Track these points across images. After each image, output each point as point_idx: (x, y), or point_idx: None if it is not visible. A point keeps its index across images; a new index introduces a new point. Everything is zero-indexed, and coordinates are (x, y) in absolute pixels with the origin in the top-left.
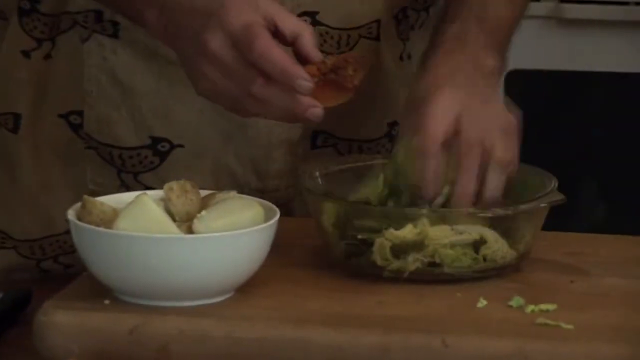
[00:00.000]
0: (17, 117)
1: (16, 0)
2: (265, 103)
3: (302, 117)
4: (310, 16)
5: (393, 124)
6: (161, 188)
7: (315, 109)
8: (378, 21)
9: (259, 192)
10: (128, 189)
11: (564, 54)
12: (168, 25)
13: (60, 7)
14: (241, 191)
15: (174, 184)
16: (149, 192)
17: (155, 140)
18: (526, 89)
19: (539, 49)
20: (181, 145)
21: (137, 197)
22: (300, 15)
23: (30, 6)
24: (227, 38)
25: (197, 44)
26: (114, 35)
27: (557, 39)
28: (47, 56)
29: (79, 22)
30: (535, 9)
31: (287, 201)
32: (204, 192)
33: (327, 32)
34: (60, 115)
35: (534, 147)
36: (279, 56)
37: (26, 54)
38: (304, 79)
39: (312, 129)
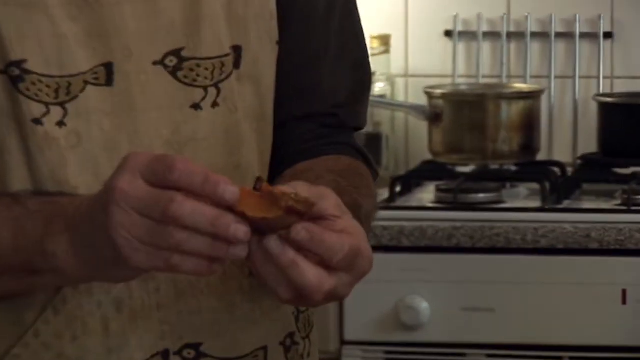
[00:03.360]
0: None
1: None
2: (187, 223)
3: (226, 235)
4: (194, 348)
5: None
6: None
7: (240, 226)
8: (264, 348)
9: None
10: None
11: None
12: (78, 241)
13: None
14: None
15: None
16: None
17: None
18: None
19: None
20: None
21: None
22: (183, 347)
23: None
24: (134, 174)
25: (106, 197)
26: None
27: None
28: None
29: None
30: None
31: None
32: None
33: None
34: None
35: None
36: (200, 168)
37: None
38: (228, 184)
39: None
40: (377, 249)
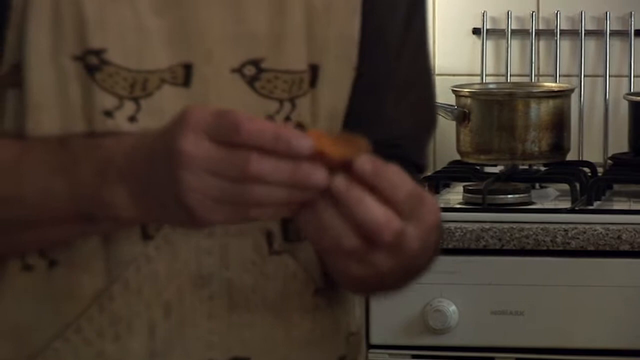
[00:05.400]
0: None
1: None
2: (266, 180)
3: (307, 184)
4: None
5: None
6: None
7: (318, 173)
8: None
9: None
10: None
11: None
12: (138, 191)
13: None
14: None
15: None
16: None
17: None
18: None
19: None
20: None
21: None
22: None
23: None
24: (198, 134)
25: (171, 161)
26: None
27: None
28: None
29: None
30: None
31: None
32: None
33: None
34: None
35: None
36: (268, 125)
37: None
38: (300, 137)
39: None
40: None
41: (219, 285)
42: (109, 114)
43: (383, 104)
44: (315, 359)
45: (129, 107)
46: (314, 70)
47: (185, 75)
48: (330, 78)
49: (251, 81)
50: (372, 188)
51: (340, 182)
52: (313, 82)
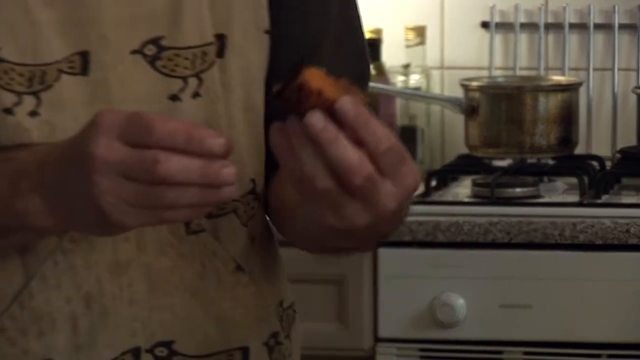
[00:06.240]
0: None
1: None
2: (176, 180)
3: (217, 182)
4: (166, 346)
5: None
6: None
7: (227, 169)
8: (244, 349)
9: None
10: None
11: None
12: (52, 198)
13: None
14: None
15: None
16: None
17: None
18: None
19: None
20: None
21: None
22: (155, 345)
23: None
24: (110, 137)
25: (84, 165)
26: None
27: None
28: None
29: None
30: None
31: None
32: None
33: None
34: None
35: None
36: (181, 125)
37: None
38: (213, 136)
39: None
40: (412, 244)
41: (137, 271)
42: (8, 111)
43: (317, 64)
44: (243, 337)
45: (28, 102)
46: (220, 40)
47: (82, 63)
48: (239, 45)
49: (152, 61)
50: (354, 135)
51: (316, 119)
52: (221, 52)
